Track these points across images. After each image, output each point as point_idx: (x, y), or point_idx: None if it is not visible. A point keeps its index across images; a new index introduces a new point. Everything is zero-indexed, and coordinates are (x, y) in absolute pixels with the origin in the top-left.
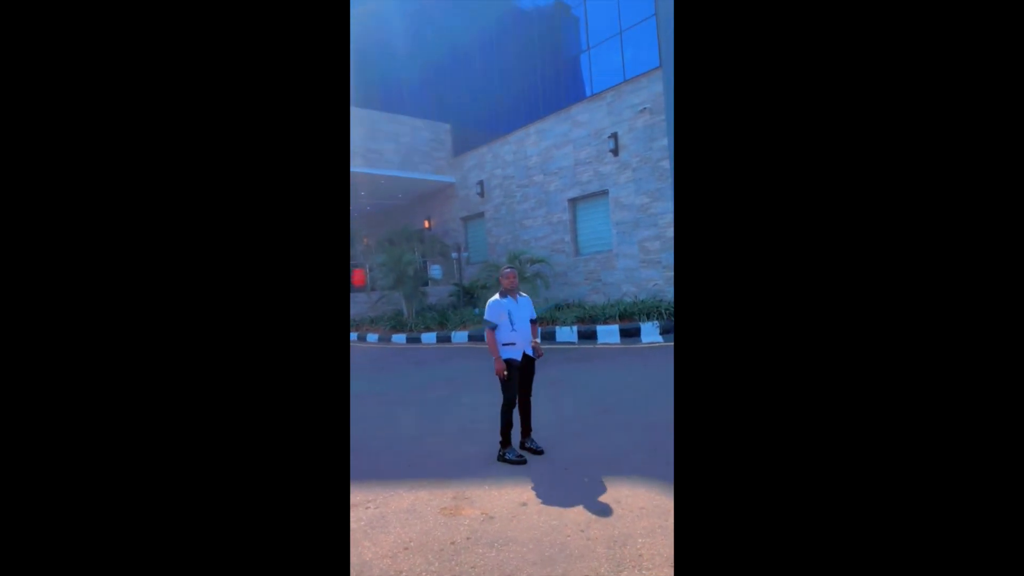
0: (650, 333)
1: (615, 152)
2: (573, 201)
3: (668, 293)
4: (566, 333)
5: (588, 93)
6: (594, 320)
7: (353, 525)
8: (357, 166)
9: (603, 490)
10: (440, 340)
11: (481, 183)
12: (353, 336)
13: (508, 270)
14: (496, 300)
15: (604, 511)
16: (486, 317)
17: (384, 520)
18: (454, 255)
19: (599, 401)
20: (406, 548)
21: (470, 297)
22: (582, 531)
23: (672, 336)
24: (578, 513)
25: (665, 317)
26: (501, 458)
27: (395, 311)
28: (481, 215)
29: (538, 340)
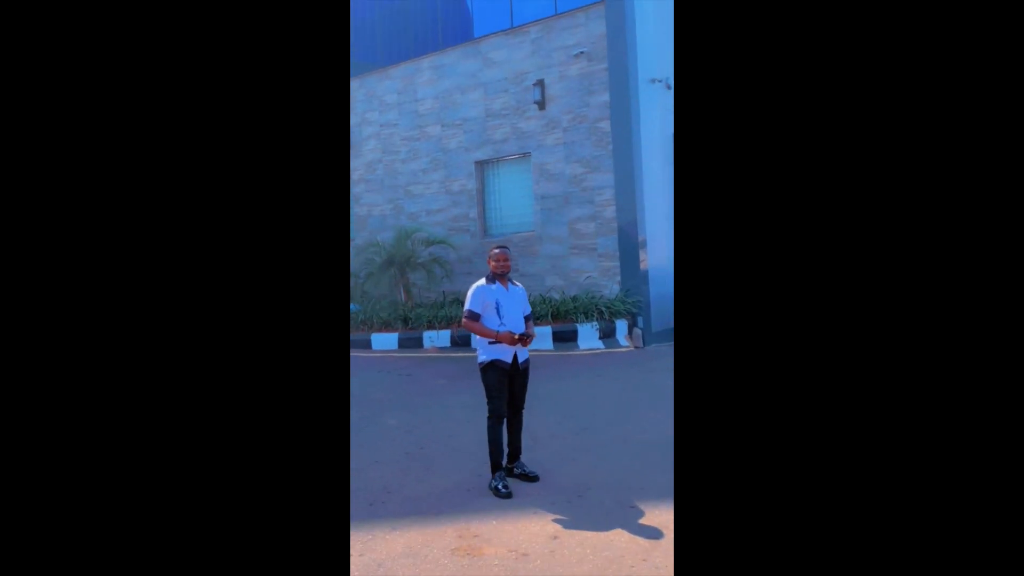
0: (589, 337)
1: (541, 105)
2: (482, 164)
3: (605, 288)
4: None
5: (507, 24)
6: None
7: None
8: None
9: (640, 513)
10: None
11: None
12: None
13: (498, 250)
14: (482, 286)
15: (656, 535)
16: (467, 306)
17: (386, 569)
18: None
19: (570, 418)
20: None
21: None
22: (644, 560)
23: (613, 341)
24: (628, 541)
25: (606, 317)
26: (493, 488)
27: None
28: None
29: (533, 332)
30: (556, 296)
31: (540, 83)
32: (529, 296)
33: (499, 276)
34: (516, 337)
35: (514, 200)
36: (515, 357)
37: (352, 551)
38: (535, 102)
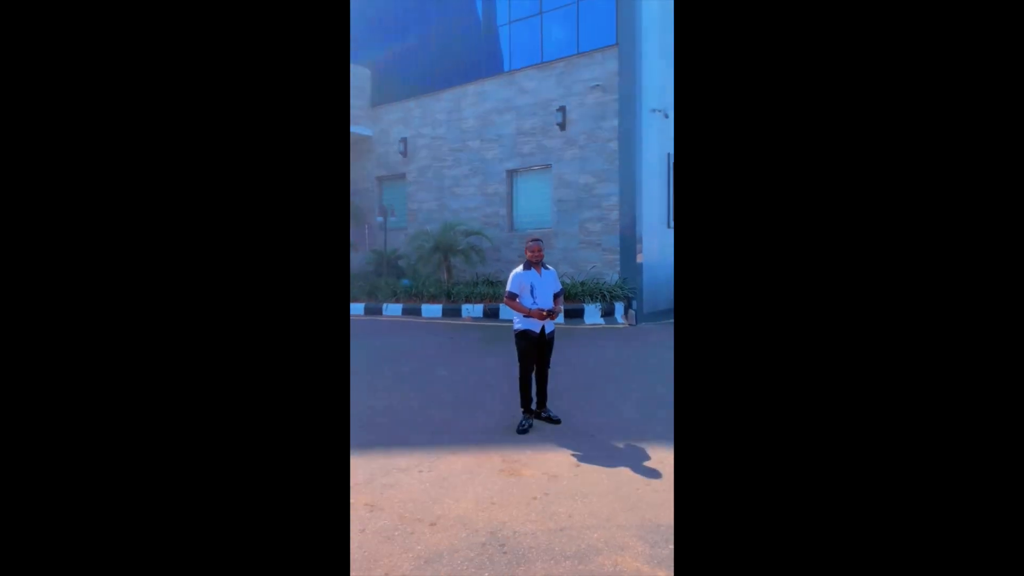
0: (592, 315)
1: (562, 126)
2: (512, 172)
3: (607, 276)
4: (509, 311)
5: (538, 60)
6: None
7: (420, 486)
8: None
9: (642, 452)
10: (369, 312)
11: (405, 141)
12: None
13: (533, 242)
14: (519, 272)
15: (656, 468)
16: (508, 288)
17: (449, 481)
18: (379, 219)
19: (580, 378)
20: (493, 503)
21: (392, 267)
22: (648, 484)
23: (612, 319)
24: (634, 470)
25: (607, 300)
26: (519, 425)
27: None
28: (402, 177)
29: (561, 307)
30: (567, 281)
31: (562, 109)
32: None
33: (534, 263)
34: (544, 313)
35: (536, 202)
36: (543, 328)
37: (422, 466)
38: (557, 124)
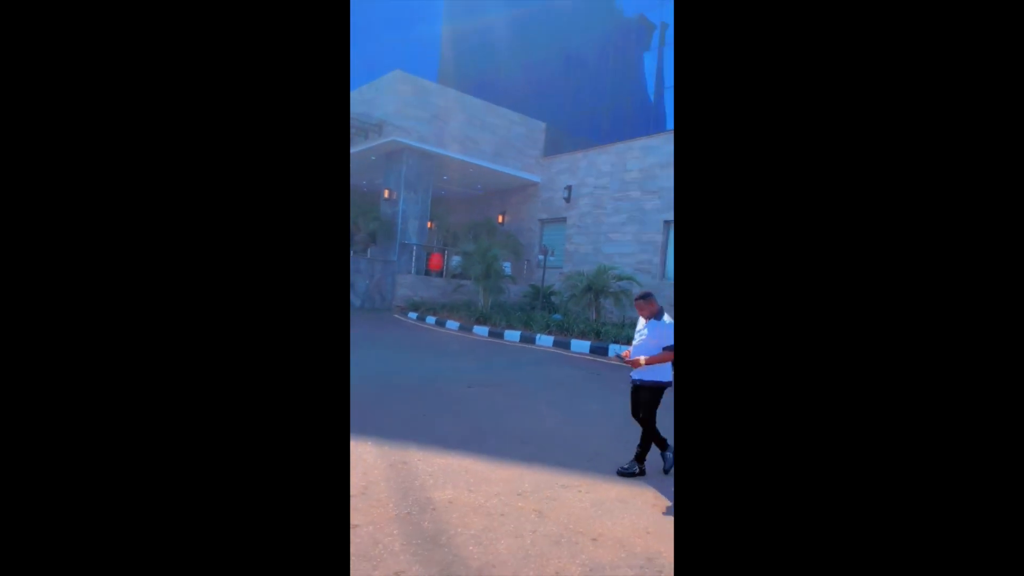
0: None
1: None
2: (669, 223)
3: None
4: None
5: None
6: None
7: (580, 504)
8: (454, 151)
9: None
10: (523, 340)
11: (570, 188)
12: (431, 320)
13: (640, 299)
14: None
15: None
16: None
17: (605, 506)
18: (540, 257)
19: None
20: (648, 532)
21: (546, 301)
22: None
23: None
24: None
25: None
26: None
27: (468, 301)
28: (563, 220)
29: (643, 359)
30: None
31: None
32: None
33: (644, 317)
34: (623, 357)
35: None
36: (631, 379)
37: (580, 487)
38: None
